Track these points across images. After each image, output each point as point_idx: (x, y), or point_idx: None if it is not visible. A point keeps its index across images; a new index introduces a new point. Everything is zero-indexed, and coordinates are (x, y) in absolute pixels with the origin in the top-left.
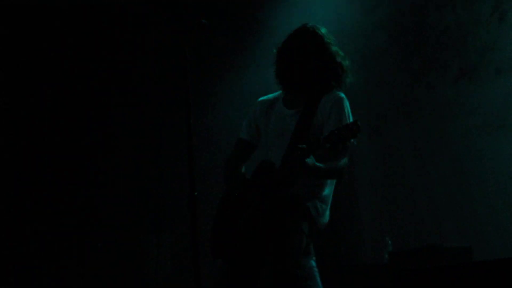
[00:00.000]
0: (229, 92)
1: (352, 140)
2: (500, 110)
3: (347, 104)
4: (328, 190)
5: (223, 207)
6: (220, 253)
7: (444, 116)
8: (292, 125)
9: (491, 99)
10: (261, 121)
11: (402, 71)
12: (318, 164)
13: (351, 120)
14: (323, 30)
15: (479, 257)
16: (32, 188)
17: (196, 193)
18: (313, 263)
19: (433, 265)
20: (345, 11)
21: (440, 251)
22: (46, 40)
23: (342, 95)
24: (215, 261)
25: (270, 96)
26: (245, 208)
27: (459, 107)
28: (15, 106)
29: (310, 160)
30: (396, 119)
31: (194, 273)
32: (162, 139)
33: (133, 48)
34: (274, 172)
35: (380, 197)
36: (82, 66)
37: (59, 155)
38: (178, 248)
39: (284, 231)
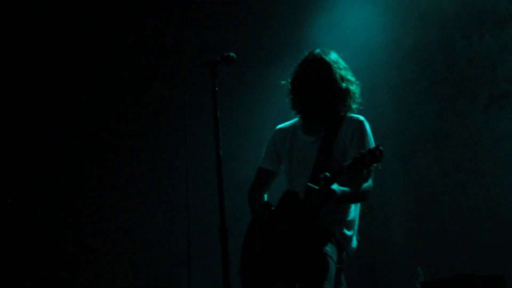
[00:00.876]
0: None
1: (376, 165)
2: None
3: (368, 127)
4: (353, 215)
5: (251, 238)
6: (251, 285)
7: (473, 144)
8: (314, 152)
9: None
10: (281, 148)
11: (430, 100)
12: (343, 188)
13: (372, 143)
14: (332, 56)
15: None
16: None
17: (226, 225)
18: None
19: None
20: (375, 42)
21: (472, 280)
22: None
23: (362, 118)
24: None
25: (288, 123)
26: (272, 240)
27: (488, 135)
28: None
29: (335, 187)
30: (425, 148)
31: None
32: (193, 169)
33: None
34: (299, 201)
35: (412, 226)
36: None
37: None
38: (209, 282)
39: (311, 260)
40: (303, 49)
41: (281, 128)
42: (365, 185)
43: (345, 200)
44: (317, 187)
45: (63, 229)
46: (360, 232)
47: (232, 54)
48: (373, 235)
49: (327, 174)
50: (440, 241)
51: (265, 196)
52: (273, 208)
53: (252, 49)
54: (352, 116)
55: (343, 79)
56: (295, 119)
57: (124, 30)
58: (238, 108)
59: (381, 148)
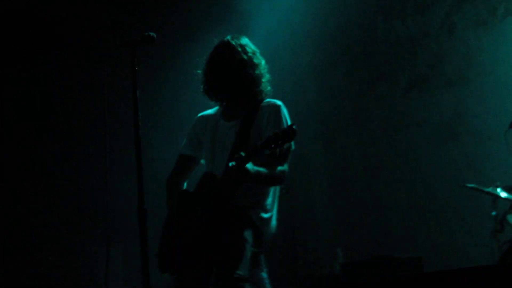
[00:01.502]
0: (178, 106)
1: (290, 144)
2: (450, 122)
3: (284, 111)
4: (271, 199)
5: (169, 221)
6: (168, 267)
7: (394, 127)
8: (233, 136)
9: (440, 111)
10: (202, 135)
11: (352, 82)
12: (257, 168)
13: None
14: (241, 41)
15: (429, 268)
16: None
17: (145, 206)
18: (264, 275)
19: (383, 276)
20: (298, 24)
21: (391, 262)
22: None
23: (279, 102)
24: (163, 275)
25: (211, 111)
26: (190, 221)
27: (408, 118)
28: None
29: (249, 166)
30: (347, 130)
31: (144, 285)
32: (112, 150)
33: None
34: (216, 182)
35: (333, 208)
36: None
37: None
38: (128, 260)
39: (227, 242)
40: (225, 31)
41: (203, 116)
42: (280, 168)
43: (259, 181)
44: (231, 165)
45: (11, 241)
46: (281, 213)
47: (152, 34)
48: (295, 217)
49: (242, 153)
50: (360, 223)
51: (185, 185)
52: (191, 192)
53: (174, 27)
54: (270, 101)
55: (251, 64)
56: (217, 107)
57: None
58: (160, 90)
59: (294, 127)
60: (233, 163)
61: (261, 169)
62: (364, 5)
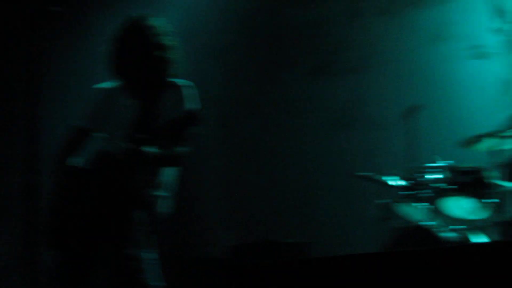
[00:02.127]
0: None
1: (192, 128)
2: (348, 108)
3: (189, 92)
4: (166, 179)
5: (60, 197)
6: (57, 243)
7: (293, 112)
8: (130, 115)
9: (340, 97)
10: (99, 109)
11: (253, 66)
12: (154, 150)
13: (189, 106)
14: (149, 21)
15: (317, 253)
16: None
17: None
18: (154, 255)
19: (270, 260)
20: (198, 5)
21: (279, 246)
22: None
23: (184, 83)
24: (51, 252)
25: (108, 84)
26: (82, 198)
27: (307, 104)
28: None
29: (147, 148)
30: (247, 114)
31: (29, 264)
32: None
33: None
34: (112, 162)
35: (227, 191)
36: None
37: None
38: (14, 238)
39: (119, 221)
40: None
41: (100, 88)
42: (179, 149)
43: (157, 162)
44: (130, 146)
45: None
46: (174, 194)
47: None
48: (187, 199)
49: (142, 135)
50: (253, 207)
51: (77, 159)
52: (86, 168)
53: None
54: (174, 81)
55: (158, 45)
56: (118, 81)
57: None
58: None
59: (199, 112)
60: (130, 144)
61: (159, 151)
62: None
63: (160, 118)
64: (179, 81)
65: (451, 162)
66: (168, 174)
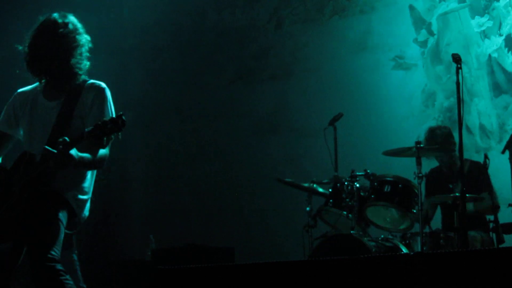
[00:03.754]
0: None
1: (116, 133)
2: (272, 115)
3: (108, 94)
4: (88, 182)
5: None
6: None
7: (217, 117)
8: (54, 117)
9: (263, 104)
10: (20, 112)
11: (178, 70)
12: (81, 154)
13: (112, 111)
14: (67, 19)
15: (241, 258)
16: None
17: None
18: (75, 256)
19: (193, 265)
20: (125, 7)
21: (203, 251)
22: None
23: (103, 85)
24: None
25: (30, 87)
26: (4, 199)
27: (232, 110)
28: None
29: (73, 152)
30: (169, 117)
31: None
32: None
33: None
34: (35, 163)
35: (150, 194)
36: None
37: None
38: None
39: (41, 223)
40: None
41: (22, 92)
42: (102, 152)
43: (83, 166)
44: (55, 151)
45: None
46: (97, 197)
47: None
48: (110, 201)
49: (66, 138)
50: (176, 212)
51: None
52: (7, 169)
53: None
54: (94, 83)
55: (73, 43)
56: (37, 83)
57: None
58: None
59: (124, 117)
60: (52, 147)
61: (85, 155)
62: None
63: (79, 121)
64: (100, 83)
65: (373, 171)
66: (90, 176)
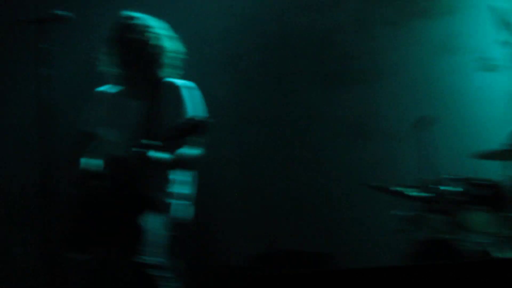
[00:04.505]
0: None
1: (197, 134)
2: (359, 119)
3: (185, 92)
4: (176, 184)
5: (81, 202)
6: (74, 247)
7: (305, 122)
8: (135, 118)
9: (350, 108)
10: (101, 112)
11: (264, 75)
12: (160, 156)
13: (190, 108)
14: (147, 22)
15: (334, 265)
16: None
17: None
18: (173, 263)
19: (290, 271)
20: (205, 13)
21: (298, 256)
22: None
23: (180, 82)
24: (71, 255)
25: (109, 86)
26: (96, 203)
27: (320, 114)
28: None
29: (151, 154)
30: (259, 122)
31: (48, 265)
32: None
33: None
34: (121, 167)
35: (243, 200)
36: None
37: None
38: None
39: (132, 226)
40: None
41: (101, 91)
42: (188, 151)
43: (165, 167)
44: (135, 152)
45: None
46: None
47: (64, 12)
48: (204, 207)
49: (143, 141)
50: (269, 217)
51: (85, 161)
52: (98, 172)
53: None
54: (170, 80)
55: (152, 44)
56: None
57: None
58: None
59: (196, 118)
60: (136, 149)
61: (163, 156)
62: None
63: (163, 121)
64: (179, 82)
65: (467, 175)
66: (181, 179)
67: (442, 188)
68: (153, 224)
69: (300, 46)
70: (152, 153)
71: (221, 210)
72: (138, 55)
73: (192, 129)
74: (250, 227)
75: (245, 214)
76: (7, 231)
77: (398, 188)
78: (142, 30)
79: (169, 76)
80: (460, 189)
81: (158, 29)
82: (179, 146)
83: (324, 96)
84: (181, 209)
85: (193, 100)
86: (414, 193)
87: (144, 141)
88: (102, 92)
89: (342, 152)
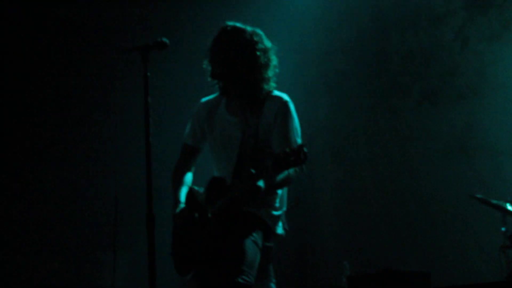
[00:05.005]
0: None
1: (300, 162)
2: (461, 135)
3: (292, 108)
4: (279, 199)
5: (181, 224)
6: (180, 268)
7: (405, 139)
8: (238, 134)
9: (452, 124)
10: (205, 125)
11: (364, 94)
12: (269, 183)
13: (297, 125)
14: (248, 28)
15: (437, 283)
16: None
17: (153, 212)
18: (273, 286)
19: None
20: (309, 34)
21: (398, 276)
22: None
23: (286, 98)
24: (183, 278)
25: (213, 97)
26: (199, 224)
27: (420, 131)
28: None
29: (261, 183)
30: (357, 142)
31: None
32: (120, 154)
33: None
34: (226, 189)
35: (341, 220)
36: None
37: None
38: (135, 265)
39: (234, 244)
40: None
41: (206, 102)
42: (291, 173)
43: (272, 192)
44: (242, 182)
45: (13, 247)
46: (289, 225)
47: (165, 39)
48: (303, 228)
49: (252, 171)
50: (368, 236)
51: (190, 175)
52: (200, 193)
53: (188, 32)
54: (276, 95)
55: (267, 63)
56: (220, 95)
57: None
58: (171, 95)
59: (305, 150)
60: (240, 179)
61: (273, 182)
62: (377, 16)
63: (264, 136)
64: (282, 95)
65: None
66: (281, 193)
67: None
68: (253, 243)
69: (402, 64)
70: (262, 183)
71: (318, 231)
72: (245, 64)
73: (298, 160)
74: (350, 248)
75: (345, 236)
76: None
77: (501, 202)
78: (250, 39)
79: (274, 90)
80: None
81: (266, 41)
82: (281, 172)
83: (425, 113)
84: (282, 219)
85: (290, 113)
86: None
87: (253, 171)
88: (205, 102)
89: (443, 169)
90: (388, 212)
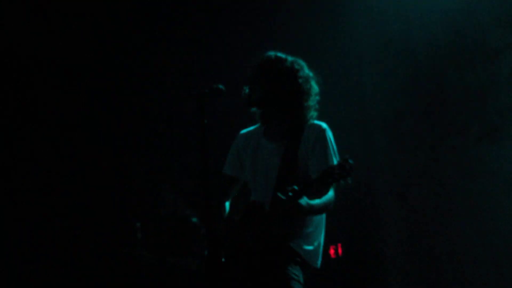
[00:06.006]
0: None
1: (347, 180)
2: None
3: (330, 135)
4: (312, 228)
5: (219, 249)
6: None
7: (466, 177)
8: (277, 160)
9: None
10: (244, 155)
11: (422, 133)
12: (311, 203)
13: (335, 151)
14: (289, 58)
15: None
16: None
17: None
18: None
19: None
20: (366, 75)
21: None
22: None
23: (324, 125)
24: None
25: (251, 128)
26: (238, 253)
27: (480, 168)
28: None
29: (303, 201)
30: (420, 182)
31: None
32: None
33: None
34: (264, 214)
35: (406, 260)
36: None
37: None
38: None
39: (275, 279)
40: None
41: (244, 133)
42: (329, 195)
43: (312, 214)
44: (284, 198)
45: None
46: (353, 264)
47: (221, 86)
48: (369, 268)
49: (295, 187)
50: (435, 278)
51: (227, 205)
52: (237, 219)
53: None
54: (314, 123)
55: (310, 91)
56: (259, 124)
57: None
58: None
59: (350, 161)
60: (282, 194)
61: (315, 203)
62: (434, 54)
63: (303, 162)
64: (320, 123)
65: None
66: (314, 223)
67: None
68: (295, 275)
69: (459, 101)
70: (305, 201)
71: (383, 272)
72: (287, 90)
73: (344, 173)
74: (412, 266)
75: (410, 277)
76: None
77: None
78: (291, 67)
79: (313, 119)
80: None
81: (307, 70)
82: (326, 191)
83: (485, 150)
84: (319, 253)
85: (329, 142)
86: None
87: (296, 187)
88: (244, 134)
89: (506, 206)
90: (452, 251)
